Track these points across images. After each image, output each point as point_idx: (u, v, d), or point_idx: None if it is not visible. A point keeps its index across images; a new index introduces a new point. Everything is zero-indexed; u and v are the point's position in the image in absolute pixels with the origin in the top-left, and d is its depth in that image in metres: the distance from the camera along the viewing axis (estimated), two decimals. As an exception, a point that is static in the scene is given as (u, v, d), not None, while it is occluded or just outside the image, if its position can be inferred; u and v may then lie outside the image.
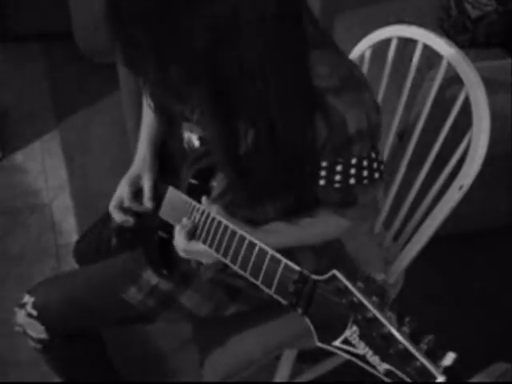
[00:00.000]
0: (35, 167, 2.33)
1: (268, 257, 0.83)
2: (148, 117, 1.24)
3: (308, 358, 1.48)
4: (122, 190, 1.17)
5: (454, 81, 1.30)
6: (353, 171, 0.94)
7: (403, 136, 1.57)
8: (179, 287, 1.16)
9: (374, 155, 0.95)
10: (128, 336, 1.70)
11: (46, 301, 1.17)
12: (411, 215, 1.34)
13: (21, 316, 1.18)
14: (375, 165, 0.96)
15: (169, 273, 1.13)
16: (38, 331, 1.17)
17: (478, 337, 1.76)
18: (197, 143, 1.08)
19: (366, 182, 0.96)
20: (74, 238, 2.00)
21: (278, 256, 0.82)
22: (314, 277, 0.75)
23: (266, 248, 0.84)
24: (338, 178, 0.95)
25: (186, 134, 1.09)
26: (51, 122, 2.53)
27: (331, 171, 0.94)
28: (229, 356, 1.21)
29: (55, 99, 2.64)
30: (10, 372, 1.65)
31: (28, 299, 1.17)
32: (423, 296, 1.84)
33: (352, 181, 0.95)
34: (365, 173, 0.95)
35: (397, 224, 1.39)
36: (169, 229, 1.08)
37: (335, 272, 0.72)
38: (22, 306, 1.17)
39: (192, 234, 1.00)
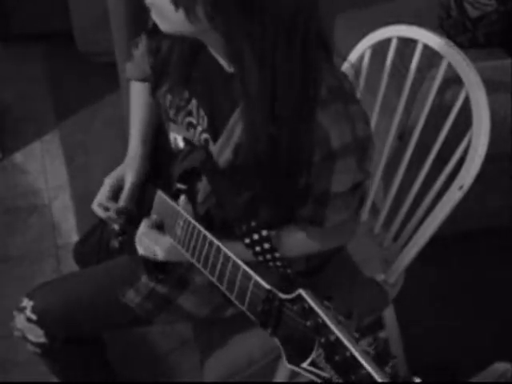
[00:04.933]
0: (35, 167, 2.33)
1: (241, 272, 0.81)
2: (137, 114, 1.23)
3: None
4: (104, 188, 1.17)
5: (454, 81, 1.30)
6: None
7: (403, 136, 1.57)
8: (176, 290, 1.16)
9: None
10: (128, 337, 1.70)
11: (45, 305, 1.16)
12: (411, 215, 1.34)
13: (20, 320, 1.16)
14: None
15: (164, 277, 1.12)
16: (37, 335, 1.16)
17: (478, 337, 1.76)
18: (181, 144, 1.08)
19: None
20: (74, 238, 2.00)
21: (250, 272, 0.80)
22: (282, 296, 0.73)
23: (239, 262, 0.82)
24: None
25: (172, 136, 1.09)
26: (51, 122, 2.53)
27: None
28: (229, 356, 1.21)
29: (55, 99, 2.64)
30: (10, 372, 1.65)
31: (27, 303, 1.16)
32: (423, 296, 1.84)
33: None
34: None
35: (397, 224, 1.39)
36: None
37: (301, 291, 0.70)
38: (21, 310, 1.16)
39: (159, 228, 1.03)
